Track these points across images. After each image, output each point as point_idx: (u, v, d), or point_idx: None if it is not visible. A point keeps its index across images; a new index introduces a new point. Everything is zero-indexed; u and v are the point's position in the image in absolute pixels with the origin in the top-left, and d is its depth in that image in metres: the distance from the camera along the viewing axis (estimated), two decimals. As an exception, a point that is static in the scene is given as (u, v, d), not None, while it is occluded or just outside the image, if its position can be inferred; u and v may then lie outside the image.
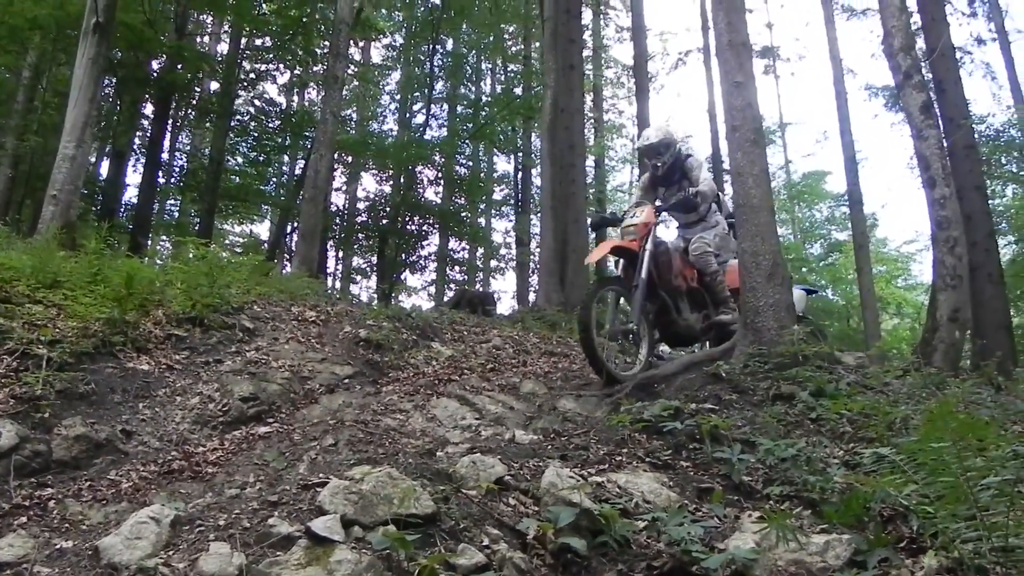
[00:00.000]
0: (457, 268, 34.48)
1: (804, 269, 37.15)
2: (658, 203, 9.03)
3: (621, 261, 8.79)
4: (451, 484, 4.02)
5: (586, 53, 29.34)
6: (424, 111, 32.41)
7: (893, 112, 27.01)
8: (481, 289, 32.31)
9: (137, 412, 6.23)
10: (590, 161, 31.21)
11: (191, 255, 10.78)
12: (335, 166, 28.41)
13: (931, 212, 9.99)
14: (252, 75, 28.65)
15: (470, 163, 34.50)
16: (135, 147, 27.47)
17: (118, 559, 2.98)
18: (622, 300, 8.53)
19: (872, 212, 38.41)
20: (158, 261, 18.88)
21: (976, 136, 19.20)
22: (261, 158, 30.48)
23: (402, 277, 30.94)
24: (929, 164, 10.02)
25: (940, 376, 8.28)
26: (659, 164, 9.09)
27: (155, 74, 25.10)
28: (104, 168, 28.40)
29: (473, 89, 35.32)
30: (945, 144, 11.30)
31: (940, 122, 12.58)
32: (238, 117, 28.63)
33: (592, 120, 34.09)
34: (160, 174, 26.89)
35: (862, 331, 29.24)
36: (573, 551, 3.87)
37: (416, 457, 4.92)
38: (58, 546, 3.15)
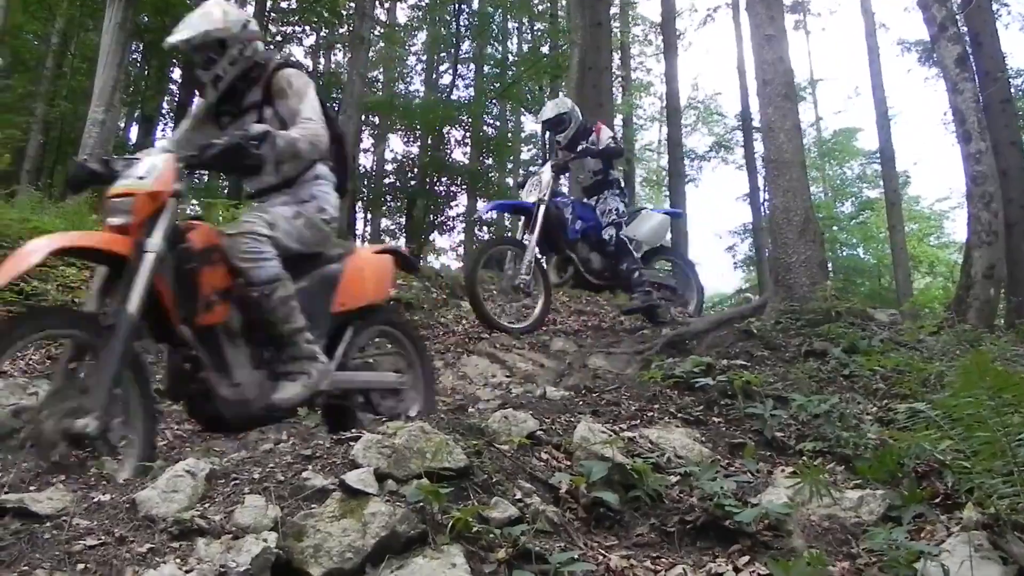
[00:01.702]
0: (485, 228, 34.47)
1: (835, 227, 36.85)
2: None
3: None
4: (483, 439, 4.02)
5: (613, 10, 29.01)
6: (451, 71, 32.31)
7: (926, 67, 26.53)
8: (510, 249, 32.23)
9: (170, 367, 6.26)
10: (618, 120, 30.95)
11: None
12: (362, 128, 28.37)
13: (966, 167, 9.83)
14: (278, 37, 28.61)
15: (497, 123, 34.34)
16: (163, 112, 27.57)
17: (155, 511, 3.01)
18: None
19: (904, 169, 37.96)
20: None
21: (1012, 90, 18.87)
22: (288, 120, 30.50)
23: (430, 238, 30.96)
24: (964, 118, 9.86)
25: (975, 332, 8.21)
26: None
27: (182, 38, 25.06)
28: (133, 133, 28.54)
29: (500, 48, 35.08)
30: (980, 98, 11.11)
31: (976, 76, 12.37)
32: (265, 79, 28.62)
33: (620, 78, 33.75)
34: (188, 138, 26.93)
35: (894, 290, 29.01)
36: (606, 505, 3.87)
37: (448, 413, 4.93)
38: (96, 499, 3.18)
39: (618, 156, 9.53)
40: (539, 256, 8.69)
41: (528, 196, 8.81)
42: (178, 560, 2.75)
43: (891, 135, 27.45)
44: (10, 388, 5.14)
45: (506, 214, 17.76)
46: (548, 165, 8.99)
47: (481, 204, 32.13)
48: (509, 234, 16.57)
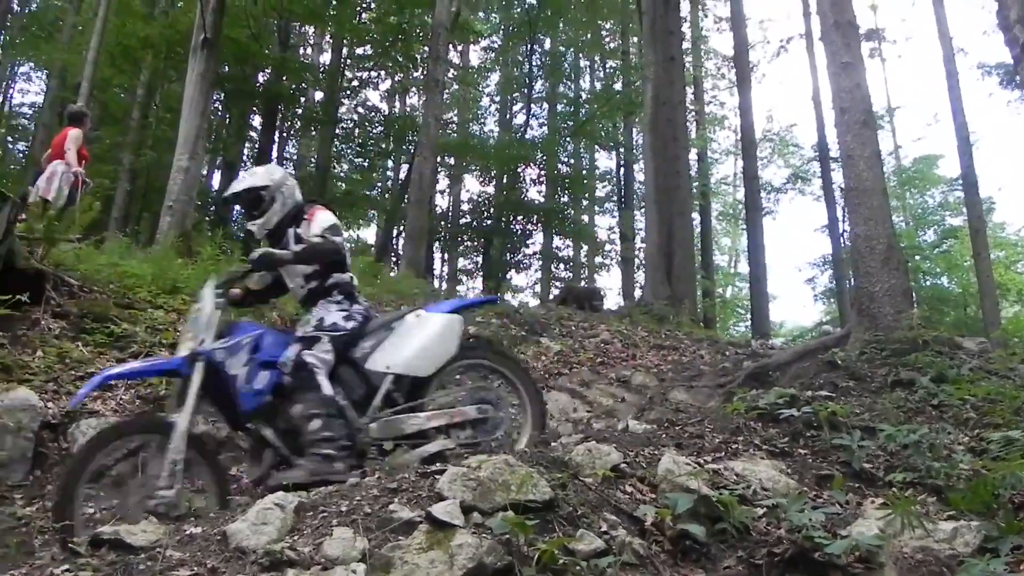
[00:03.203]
0: (562, 266, 34.49)
1: (917, 257, 36.13)
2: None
3: None
4: (567, 471, 4.02)
5: (685, 45, 28.98)
6: (524, 111, 32.60)
7: (1009, 89, 26.02)
8: (587, 285, 32.23)
9: (256, 411, 6.37)
10: (692, 154, 30.87)
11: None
12: (438, 169, 28.73)
13: (1053, 190, 9.57)
14: (354, 83, 29.23)
15: (572, 161, 34.48)
16: (244, 158, 28.22)
17: (246, 543, 3.07)
18: None
19: (988, 195, 37.12)
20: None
21: (1099, 110, 18.38)
22: (366, 164, 31.12)
23: (507, 276, 31.07)
24: (1050, 140, 9.61)
25: (1069, 359, 7.97)
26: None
27: (261, 86, 25.80)
28: (216, 179, 29.27)
29: (572, 87, 35.32)
30: (1067, 118, 10.84)
31: (1061, 96, 12.10)
32: (342, 124, 29.27)
33: (693, 112, 33.68)
34: (270, 183, 27.53)
35: (980, 319, 28.27)
36: (692, 537, 3.83)
37: (531, 446, 4.94)
38: (188, 532, 3.25)
39: (324, 259, 5.45)
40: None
41: (181, 346, 5.08)
42: (270, 591, 2.80)
43: (973, 161, 26.81)
44: (101, 427, 5.28)
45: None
46: (208, 289, 5.22)
47: (553, 240, 32.20)
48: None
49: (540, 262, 32.13)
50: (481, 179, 33.48)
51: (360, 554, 3.04)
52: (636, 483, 4.36)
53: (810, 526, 3.96)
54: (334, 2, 25.92)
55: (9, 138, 32.00)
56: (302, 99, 28.77)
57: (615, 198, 35.62)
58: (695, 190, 28.56)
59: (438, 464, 4.09)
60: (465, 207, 34.15)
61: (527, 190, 30.88)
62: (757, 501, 4.46)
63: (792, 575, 3.78)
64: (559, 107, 33.71)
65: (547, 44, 33.09)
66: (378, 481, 3.79)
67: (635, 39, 29.35)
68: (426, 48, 25.07)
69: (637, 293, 25.52)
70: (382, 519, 3.30)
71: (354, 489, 3.66)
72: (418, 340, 5.44)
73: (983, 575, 3.47)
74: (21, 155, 30.37)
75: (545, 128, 33.12)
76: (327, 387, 5.05)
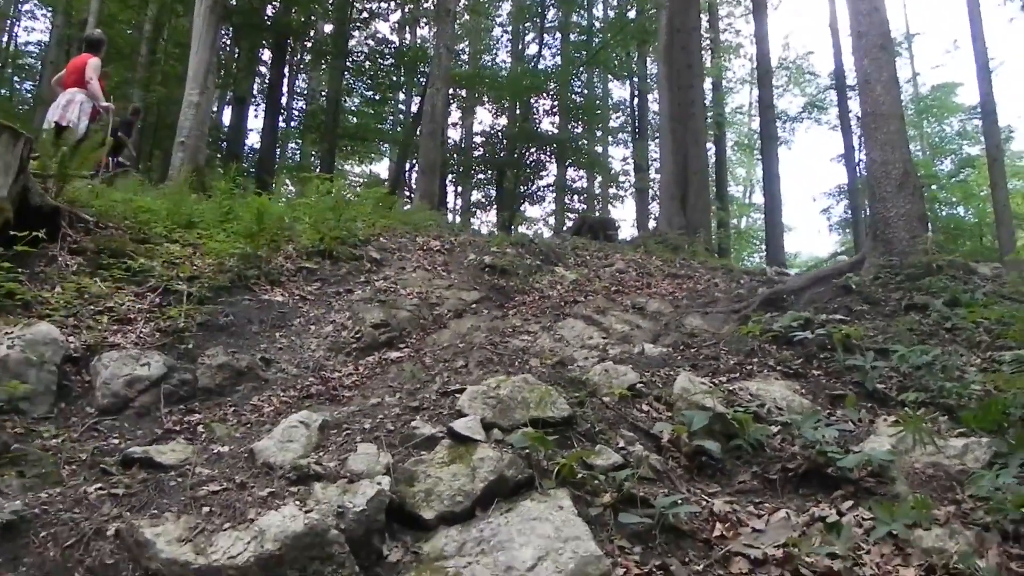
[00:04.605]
0: (576, 197, 34.29)
1: (934, 186, 35.82)
2: None
3: None
4: (585, 390, 4.09)
5: (700, -29, 28.47)
6: (537, 41, 32.17)
7: (1032, 13, 25.52)
8: (601, 216, 32.13)
9: (274, 341, 6.47)
10: (707, 84, 30.48)
11: (316, 193, 10.99)
12: (450, 101, 28.50)
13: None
14: (364, 14, 28.83)
15: (585, 91, 34.11)
16: (255, 93, 28.03)
17: (272, 460, 3.15)
18: None
19: (1007, 124, 36.57)
20: (283, 200, 19.38)
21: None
22: (377, 97, 30.84)
23: (521, 208, 30.94)
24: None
25: (1084, 282, 7.96)
26: None
27: (270, 19, 25.48)
28: (227, 115, 29.12)
29: (585, 15, 34.79)
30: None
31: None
32: (353, 57, 28.98)
33: (708, 41, 33.21)
34: (280, 118, 27.45)
35: (996, 249, 28.09)
36: (707, 453, 3.91)
37: (548, 368, 5.01)
38: (216, 451, 3.33)
39: None
40: None
41: None
42: (297, 502, 2.88)
43: (992, 88, 26.37)
44: (123, 359, 5.36)
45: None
46: None
47: (567, 171, 32.02)
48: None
49: (554, 194, 31.96)
50: (494, 111, 33.21)
51: (384, 468, 3.12)
52: (652, 402, 4.44)
53: (823, 442, 4.04)
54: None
55: (16, 77, 31.79)
56: (312, 32, 28.49)
57: (629, 129, 35.32)
58: (710, 119, 28.31)
59: (458, 384, 4.16)
60: (478, 139, 33.93)
61: (540, 121, 30.57)
62: (771, 419, 4.53)
63: (806, 489, 3.86)
64: (572, 36, 33.24)
65: (559, -28, 32.59)
66: (399, 401, 3.86)
67: (649, -35, 28.87)
68: (437, -23, 24.74)
69: (651, 224, 25.45)
70: (404, 435, 3.38)
71: (376, 408, 3.73)
72: None
73: (991, 486, 3.53)
74: (28, 94, 30.18)
75: (558, 58, 32.71)
76: None
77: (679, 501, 3.36)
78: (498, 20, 36.47)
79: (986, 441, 4.09)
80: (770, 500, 3.70)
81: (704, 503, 3.53)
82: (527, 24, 33.56)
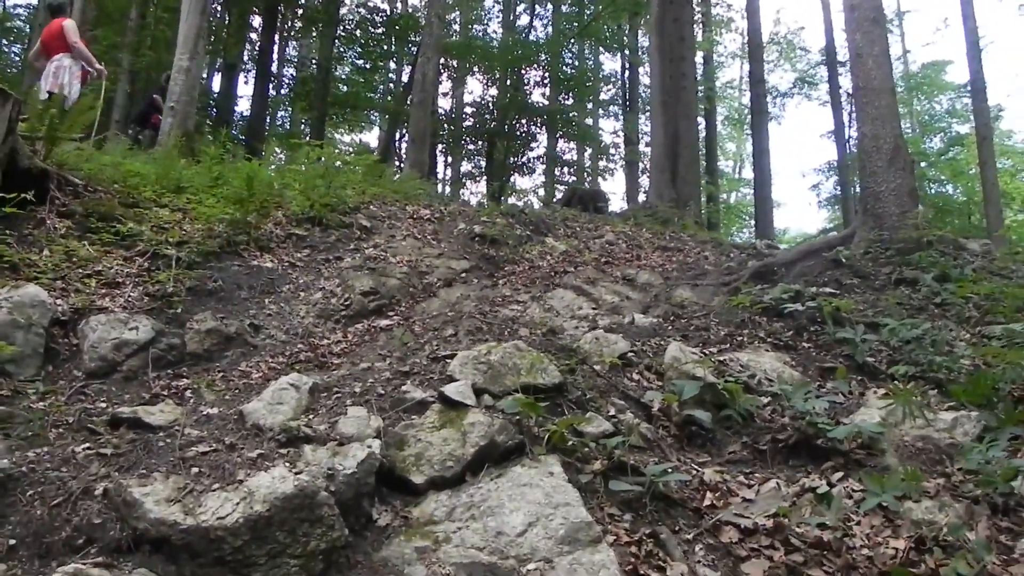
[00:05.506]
0: (566, 169, 34.21)
1: (923, 164, 35.84)
2: None
3: None
4: (576, 358, 4.08)
5: (693, -57, 28.29)
6: (528, 11, 31.99)
7: (1022, -8, 25.48)
8: (591, 187, 32.07)
9: (263, 307, 6.43)
10: (699, 57, 30.37)
11: (306, 160, 10.90)
12: (441, 71, 28.32)
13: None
14: (356, -19, 28.60)
15: (576, 62, 33.96)
16: (245, 59, 27.80)
17: (262, 422, 3.13)
18: None
19: (997, 103, 36.55)
20: (272, 167, 19.27)
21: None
22: (368, 65, 30.62)
23: (511, 179, 30.87)
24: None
25: (1072, 258, 8.00)
26: None
27: (262, -16, 25.24)
28: (216, 81, 28.88)
29: (578, -14, 34.62)
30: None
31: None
32: (343, 25, 28.71)
33: (700, 14, 33.07)
34: (270, 85, 27.25)
35: (984, 227, 28.17)
36: (698, 423, 3.91)
37: (539, 336, 5.00)
38: (205, 412, 3.31)
39: None
40: None
41: None
42: (287, 464, 2.87)
43: (982, 67, 26.38)
44: (111, 323, 5.32)
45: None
46: None
47: (557, 143, 31.96)
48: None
49: (544, 165, 31.90)
50: (484, 81, 33.05)
51: (375, 432, 3.10)
52: (643, 371, 4.43)
53: (814, 413, 4.04)
54: None
55: (4, 40, 31.43)
56: (302, -2, 28.28)
57: (620, 101, 35.24)
58: (701, 93, 28.23)
59: (448, 350, 4.14)
60: (468, 110, 33.80)
61: (531, 93, 30.42)
62: (761, 390, 4.53)
63: (796, 460, 3.87)
64: (563, 7, 33.07)
65: (552, -58, 32.37)
66: (390, 365, 3.85)
67: (642, -64, 28.66)
68: (429, -55, 24.52)
69: (641, 197, 25.42)
70: (395, 399, 3.37)
71: (367, 372, 3.72)
72: None
73: (981, 459, 3.54)
74: (16, 57, 29.85)
75: (549, 29, 32.56)
76: None
77: (669, 470, 3.35)
78: (490, -10, 36.21)
79: (975, 415, 4.11)
80: (760, 470, 3.71)
81: (694, 472, 3.54)
82: (519, -7, 33.34)
